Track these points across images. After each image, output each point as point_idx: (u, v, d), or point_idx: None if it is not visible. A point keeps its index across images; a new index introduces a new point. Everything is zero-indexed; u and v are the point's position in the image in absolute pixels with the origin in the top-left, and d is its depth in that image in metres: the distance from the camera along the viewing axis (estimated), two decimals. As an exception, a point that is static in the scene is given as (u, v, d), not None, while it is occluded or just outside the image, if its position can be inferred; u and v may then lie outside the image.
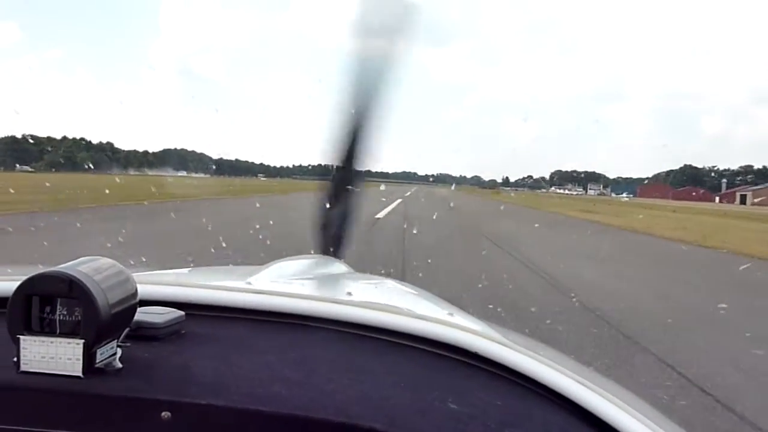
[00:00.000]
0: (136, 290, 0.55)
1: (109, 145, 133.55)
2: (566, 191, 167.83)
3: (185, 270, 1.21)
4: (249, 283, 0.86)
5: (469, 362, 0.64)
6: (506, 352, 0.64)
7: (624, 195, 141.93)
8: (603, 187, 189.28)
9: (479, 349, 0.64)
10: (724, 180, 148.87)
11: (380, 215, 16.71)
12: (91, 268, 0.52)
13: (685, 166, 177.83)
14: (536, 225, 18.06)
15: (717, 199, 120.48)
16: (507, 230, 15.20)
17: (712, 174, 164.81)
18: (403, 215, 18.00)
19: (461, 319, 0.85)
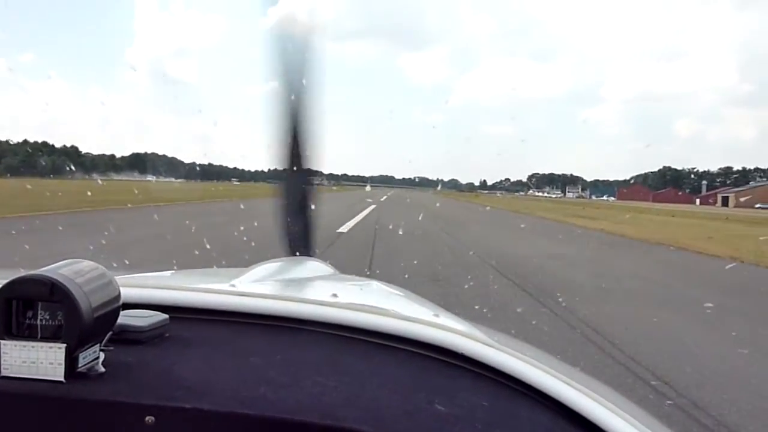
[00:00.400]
0: (119, 293, 0.55)
1: (74, 149, 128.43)
2: (545, 194, 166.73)
3: (168, 273, 1.21)
4: (233, 286, 0.85)
5: (455, 363, 0.64)
6: (492, 352, 0.64)
7: (605, 197, 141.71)
8: (581, 189, 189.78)
9: (465, 350, 0.64)
10: (704, 182, 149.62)
11: (344, 228, 13.14)
12: (72, 270, 0.51)
13: (664, 168, 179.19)
14: (544, 239, 14.54)
15: (697, 201, 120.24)
16: (509, 249, 11.42)
17: (692, 176, 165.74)
18: (375, 226, 14.51)
19: (447, 320, 0.86)
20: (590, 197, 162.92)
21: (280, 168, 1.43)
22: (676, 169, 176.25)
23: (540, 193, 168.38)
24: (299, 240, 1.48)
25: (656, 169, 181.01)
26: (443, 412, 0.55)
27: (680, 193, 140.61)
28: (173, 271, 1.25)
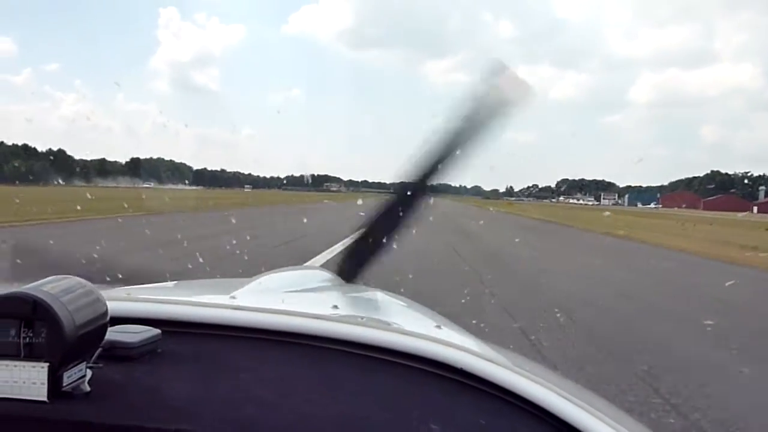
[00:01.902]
0: (107, 310, 0.54)
1: (61, 152, 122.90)
2: (579, 201, 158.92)
3: (171, 284, 1.19)
4: (233, 298, 0.86)
5: (454, 379, 0.63)
6: (492, 367, 0.63)
7: (653, 205, 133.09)
8: (618, 196, 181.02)
9: (464, 364, 0.63)
10: (763, 187, 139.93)
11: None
12: (58, 288, 0.51)
13: (713, 172, 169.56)
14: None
15: (755, 208, 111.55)
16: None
17: (746, 181, 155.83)
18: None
19: (449, 332, 0.85)
20: (628, 204, 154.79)
21: (400, 182, 1.43)
22: (727, 174, 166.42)
23: (573, 201, 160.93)
24: (357, 260, 1.42)
25: (702, 174, 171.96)
26: (437, 431, 0.54)
27: (736, 200, 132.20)
28: (175, 282, 1.21)
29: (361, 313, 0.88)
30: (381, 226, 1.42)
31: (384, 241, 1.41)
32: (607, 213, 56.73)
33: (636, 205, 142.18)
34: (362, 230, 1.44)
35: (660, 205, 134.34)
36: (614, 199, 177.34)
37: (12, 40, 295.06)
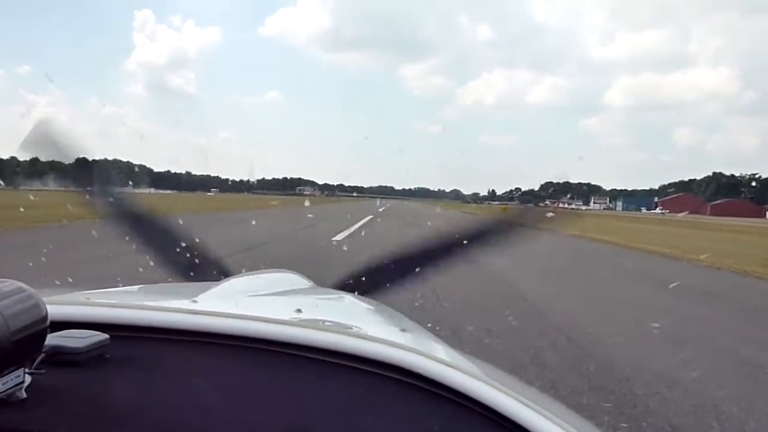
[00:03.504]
0: (46, 314, 0.53)
1: None
2: (569, 206, 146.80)
3: (135, 288, 1.18)
4: (194, 302, 0.85)
5: (410, 383, 0.63)
6: (449, 371, 0.63)
7: (657, 210, 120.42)
8: (609, 200, 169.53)
9: (420, 368, 0.63)
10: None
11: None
12: None
13: (715, 174, 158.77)
14: None
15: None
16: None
17: (754, 183, 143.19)
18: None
19: (414, 337, 0.86)
20: (624, 209, 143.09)
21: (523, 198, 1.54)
22: (732, 176, 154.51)
23: (564, 205, 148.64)
24: (377, 278, 1.43)
25: (701, 177, 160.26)
26: None
27: (745, 204, 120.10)
28: (140, 286, 1.20)
29: (325, 317, 0.86)
30: (429, 257, 1.42)
31: (420, 268, 1.42)
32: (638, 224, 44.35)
33: (640, 210, 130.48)
34: (406, 252, 1.44)
35: (666, 210, 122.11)
36: (605, 203, 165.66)
37: None
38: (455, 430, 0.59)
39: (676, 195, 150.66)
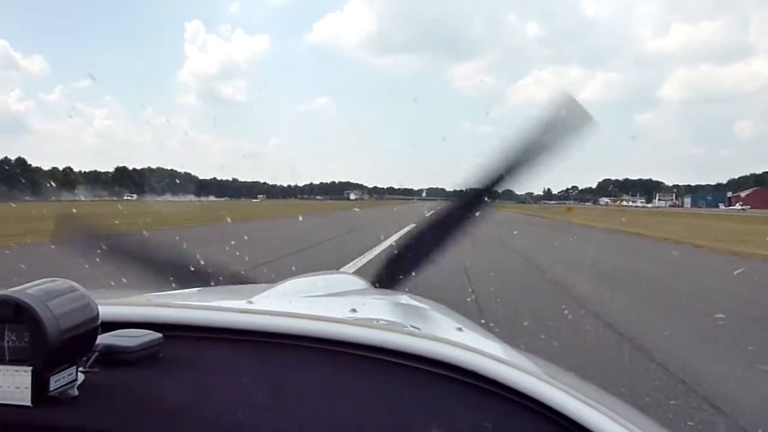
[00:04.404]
0: (97, 314, 0.55)
1: (21, 161, 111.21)
2: (634, 204, 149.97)
3: (194, 290, 1.25)
4: (250, 302, 0.88)
5: (464, 380, 0.63)
6: (503, 368, 0.62)
7: (738, 206, 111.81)
8: (675, 196, 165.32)
9: (475, 366, 0.62)
10: None
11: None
12: (42, 291, 0.51)
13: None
14: None
15: None
16: None
17: None
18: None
19: (470, 335, 0.89)
20: (692, 205, 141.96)
21: (463, 189, 1.42)
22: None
23: (629, 203, 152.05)
24: (403, 266, 1.46)
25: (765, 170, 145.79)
26: None
27: None
28: (198, 288, 1.27)
29: (380, 316, 0.88)
30: (431, 237, 1.42)
31: (430, 251, 1.42)
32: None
33: (717, 206, 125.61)
34: (409, 238, 1.44)
35: (747, 206, 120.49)
36: (671, 199, 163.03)
37: (43, 58, 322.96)
38: (512, 428, 0.58)
39: (752, 189, 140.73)
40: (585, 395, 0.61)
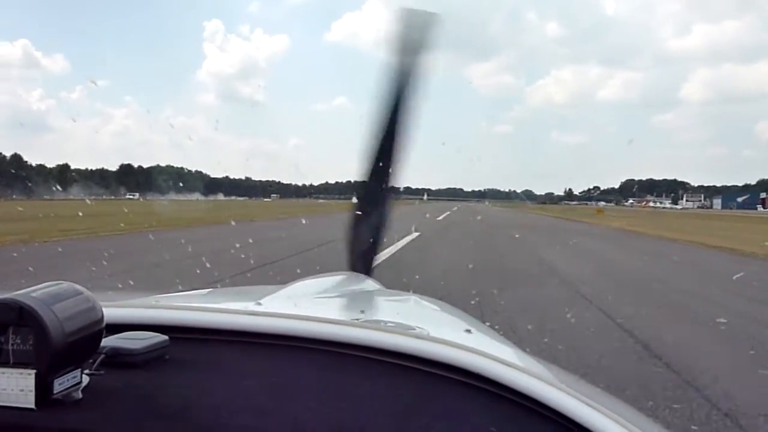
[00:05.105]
0: (102, 316, 0.55)
1: (16, 158, 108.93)
2: (660, 205, 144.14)
3: (204, 291, 1.26)
4: (258, 304, 0.88)
5: (468, 383, 0.63)
6: (508, 371, 0.62)
7: None
8: (704, 197, 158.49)
9: (479, 368, 0.63)
10: None
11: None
12: (47, 294, 0.52)
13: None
14: None
15: None
16: None
17: None
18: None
19: (478, 337, 0.88)
20: (723, 207, 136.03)
21: (361, 181, 1.49)
22: None
23: (655, 204, 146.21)
24: (362, 257, 1.54)
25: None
26: None
27: None
28: (208, 290, 1.29)
29: (389, 318, 0.88)
30: (366, 226, 1.53)
31: (375, 236, 1.55)
32: None
33: (755, 208, 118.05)
34: (354, 230, 1.54)
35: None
36: (699, 200, 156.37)
37: (64, 57, 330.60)
38: (512, 428, 0.58)
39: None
40: (593, 400, 0.60)
